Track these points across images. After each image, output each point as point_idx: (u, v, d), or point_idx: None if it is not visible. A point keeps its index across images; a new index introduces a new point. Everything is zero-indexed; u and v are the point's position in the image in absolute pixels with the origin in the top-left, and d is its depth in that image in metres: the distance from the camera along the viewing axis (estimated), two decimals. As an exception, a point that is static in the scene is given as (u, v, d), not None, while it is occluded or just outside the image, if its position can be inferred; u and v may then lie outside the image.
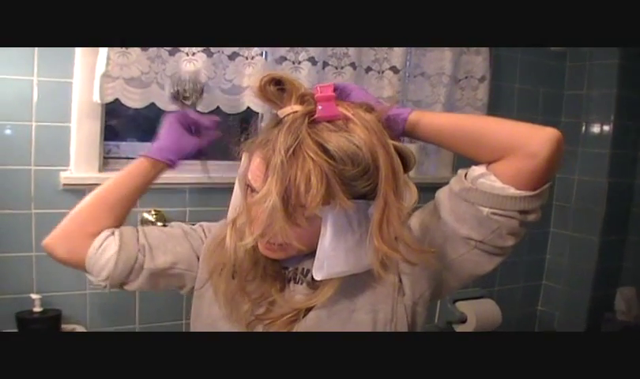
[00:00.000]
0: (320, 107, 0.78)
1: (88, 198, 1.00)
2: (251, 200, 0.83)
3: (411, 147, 0.89)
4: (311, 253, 0.85)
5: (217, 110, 1.66)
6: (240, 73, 1.68)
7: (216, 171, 1.74)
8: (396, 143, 0.81)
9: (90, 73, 1.51)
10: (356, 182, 0.78)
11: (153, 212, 1.70)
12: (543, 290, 2.67)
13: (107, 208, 0.99)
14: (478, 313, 2.17)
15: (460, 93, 2.11)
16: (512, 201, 0.82)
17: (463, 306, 2.20)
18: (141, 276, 0.96)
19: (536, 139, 0.81)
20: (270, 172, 0.76)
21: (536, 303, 2.67)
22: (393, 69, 1.91)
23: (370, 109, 0.82)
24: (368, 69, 1.91)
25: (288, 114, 0.79)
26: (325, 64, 1.81)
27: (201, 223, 1.06)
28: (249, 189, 0.85)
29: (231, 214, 0.95)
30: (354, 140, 0.77)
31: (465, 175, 0.88)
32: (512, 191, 0.82)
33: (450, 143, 0.89)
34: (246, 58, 1.67)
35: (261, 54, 1.67)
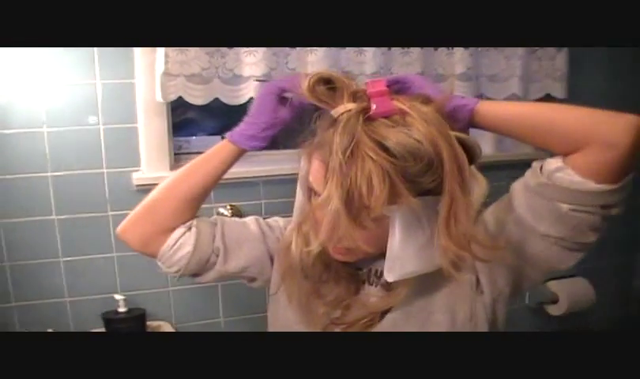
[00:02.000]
0: (374, 104, 0.74)
1: (164, 190, 0.96)
2: (314, 204, 0.82)
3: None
4: (384, 254, 0.81)
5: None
6: (303, 61, 1.61)
7: (288, 161, 1.72)
8: (458, 134, 0.77)
9: (151, 72, 1.50)
10: (421, 179, 0.74)
11: (229, 207, 1.68)
12: (638, 264, 2.47)
13: (183, 201, 0.95)
14: (570, 293, 2.07)
15: (537, 64, 1.95)
16: (593, 196, 0.76)
17: (554, 286, 2.10)
18: (211, 273, 0.96)
19: (615, 128, 0.73)
20: (329, 175, 0.72)
21: (630, 279, 2.48)
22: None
23: (427, 100, 0.79)
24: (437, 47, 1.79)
25: (342, 114, 0.75)
26: (390, 44, 1.71)
27: (278, 219, 1.03)
28: (312, 192, 0.83)
29: (296, 218, 0.91)
30: (413, 135, 0.73)
31: (541, 168, 0.82)
32: (592, 185, 0.76)
33: (520, 134, 0.84)
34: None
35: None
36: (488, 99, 1.94)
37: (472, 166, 0.80)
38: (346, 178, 0.71)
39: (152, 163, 1.58)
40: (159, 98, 1.48)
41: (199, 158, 0.97)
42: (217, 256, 0.95)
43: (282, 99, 0.93)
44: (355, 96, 0.78)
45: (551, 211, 0.79)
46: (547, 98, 1.97)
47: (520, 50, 1.87)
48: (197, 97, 1.51)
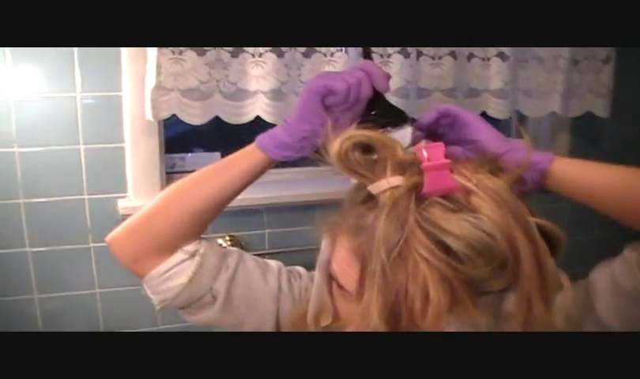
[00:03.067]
0: (429, 178, 0.54)
1: (165, 199, 0.75)
2: (341, 304, 0.65)
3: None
4: None
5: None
6: (318, 72, 1.39)
7: (295, 185, 1.53)
8: (539, 220, 0.57)
9: (140, 84, 1.28)
10: (488, 282, 0.54)
11: (228, 238, 1.49)
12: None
13: (187, 215, 0.73)
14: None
15: (578, 77, 1.73)
16: None
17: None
18: (200, 315, 0.76)
19: None
20: (368, 281, 0.53)
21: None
22: (501, 55, 1.56)
23: (497, 168, 0.59)
24: (471, 57, 1.57)
25: (385, 192, 0.55)
26: (419, 54, 1.49)
27: (302, 272, 0.82)
28: (333, 281, 0.64)
29: (313, 306, 0.70)
30: (483, 226, 0.53)
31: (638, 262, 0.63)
32: None
33: (607, 207, 0.67)
34: (325, 55, 1.39)
35: (342, 49, 1.38)
36: (522, 116, 1.73)
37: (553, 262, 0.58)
38: (391, 289, 0.51)
39: (140, 189, 1.37)
40: (149, 116, 1.26)
41: (216, 164, 0.75)
42: (215, 299, 0.74)
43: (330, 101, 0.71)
44: (401, 167, 0.57)
45: None
46: (588, 116, 1.76)
47: (562, 63, 1.65)
48: (195, 116, 1.29)
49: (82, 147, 1.32)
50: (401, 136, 0.69)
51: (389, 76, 0.73)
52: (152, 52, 1.23)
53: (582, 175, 0.67)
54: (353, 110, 0.71)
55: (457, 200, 0.53)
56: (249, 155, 0.74)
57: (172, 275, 0.73)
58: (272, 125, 0.76)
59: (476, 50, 1.56)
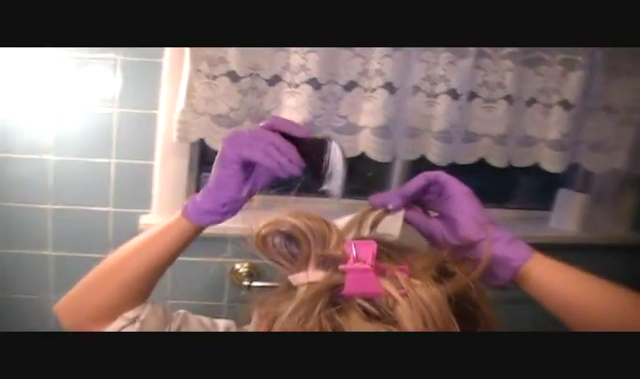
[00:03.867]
0: (350, 280, 0.48)
1: (100, 271, 0.75)
2: None
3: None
4: None
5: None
6: (357, 108, 1.32)
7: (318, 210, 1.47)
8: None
9: (174, 106, 1.26)
10: None
11: (247, 266, 1.44)
12: None
13: (123, 286, 0.73)
14: None
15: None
16: None
17: None
18: None
19: None
20: None
21: None
22: (564, 103, 1.42)
23: (445, 273, 0.51)
24: (531, 102, 1.44)
25: (302, 285, 0.51)
26: (472, 96, 1.39)
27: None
28: None
29: None
30: None
31: None
32: None
33: (578, 327, 0.58)
34: (365, 90, 1.31)
35: (385, 86, 1.30)
36: (587, 174, 1.57)
37: None
38: None
39: (164, 207, 1.36)
40: (175, 138, 1.24)
41: (146, 234, 0.74)
42: None
43: (250, 165, 0.69)
44: (325, 262, 0.52)
45: None
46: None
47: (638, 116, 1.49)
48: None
49: (113, 161, 1.32)
50: (395, 219, 0.66)
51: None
52: (186, 74, 1.20)
53: (558, 285, 0.59)
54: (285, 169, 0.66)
55: (379, 307, 0.47)
56: (176, 224, 0.72)
57: None
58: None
59: (539, 96, 1.43)
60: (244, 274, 1.44)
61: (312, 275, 0.51)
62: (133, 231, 1.32)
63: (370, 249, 0.49)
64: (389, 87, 1.29)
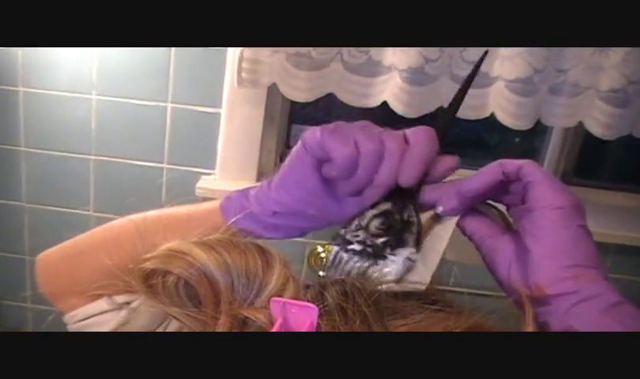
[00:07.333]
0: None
1: (103, 240, 0.57)
2: None
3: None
4: None
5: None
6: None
7: None
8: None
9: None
10: None
11: (326, 247, 1.17)
12: None
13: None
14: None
15: None
16: None
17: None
18: None
19: None
20: None
21: None
22: None
23: None
24: None
25: None
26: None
27: None
28: None
29: None
30: None
31: None
32: None
33: None
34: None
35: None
36: None
37: None
38: None
39: (230, 168, 1.09)
40: (235, 82, 0.95)
41: (169, 214, 0.54)
42: None
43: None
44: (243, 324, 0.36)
45: None
46: None
47: None
48: (299, 89, 0.95)
49: (169, 105, 1.06)
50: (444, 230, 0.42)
51: (450, 162, 0.42)
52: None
53: None
54: (362, 194, 0.43)
55: None
56: (207, 217, 0.51)
57: (88, 326, 0.58)
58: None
59: None
60: (323, 257, 1.18)
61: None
62: (191, 194, 1.09)
63: (309, 317, 0.34)
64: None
